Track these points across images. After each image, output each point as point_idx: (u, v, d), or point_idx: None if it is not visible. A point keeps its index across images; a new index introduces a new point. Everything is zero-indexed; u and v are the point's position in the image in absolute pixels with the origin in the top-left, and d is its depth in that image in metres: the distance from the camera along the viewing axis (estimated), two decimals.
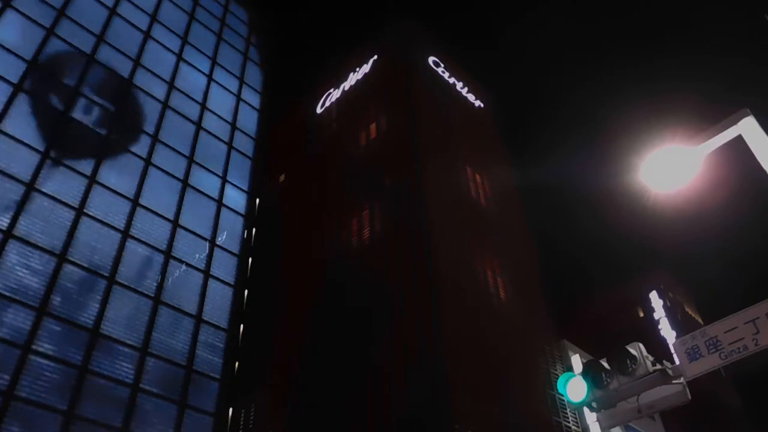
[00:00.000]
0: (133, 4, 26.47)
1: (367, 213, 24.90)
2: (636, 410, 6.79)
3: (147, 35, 26.16)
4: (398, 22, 32.08)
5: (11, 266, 16.89)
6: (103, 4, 25.09)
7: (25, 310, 16.51)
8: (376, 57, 31.21)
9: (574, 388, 7.08)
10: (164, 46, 26.79)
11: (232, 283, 22.94)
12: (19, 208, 17.88)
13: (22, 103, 19.88)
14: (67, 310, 17.39)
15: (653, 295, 44.87)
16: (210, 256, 22.54)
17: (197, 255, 22.05)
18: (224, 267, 22.95)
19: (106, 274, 18.81)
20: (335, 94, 32.50)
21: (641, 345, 6.79)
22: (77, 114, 21.36)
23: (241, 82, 29.84)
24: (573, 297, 45.50)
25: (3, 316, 16.05)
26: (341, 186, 27.35)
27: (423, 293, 20.19)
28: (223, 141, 26.54)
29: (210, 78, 28.06)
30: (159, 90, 25.04)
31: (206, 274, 21.99)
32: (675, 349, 6.72)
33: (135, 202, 21.06)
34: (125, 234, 20.09)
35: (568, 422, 21.36)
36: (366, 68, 31.39)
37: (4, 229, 17.23)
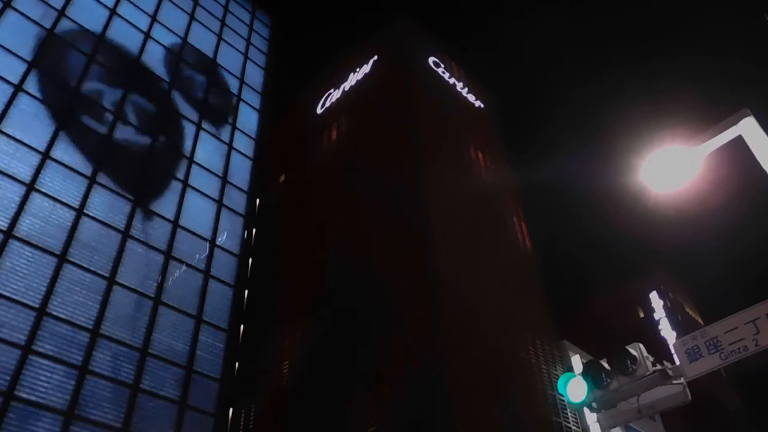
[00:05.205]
0: (133, 4, 26.49)
1: (367, 213, 24.88)
2: (636, 411, 6.79)
3: (147, 36, 26.18)
4: (398, 22, 32.06)
5: (11, 267, 16.89)
6: (102, 4, 25.10)
7: (25, 310, 16.51)
8: (376, 57, 31.20)
9: (575, 389, 7.08)
10: (164, 46, 26.80)
11: (232, 283, 22.95)
12: (19, 208, 17.89)
13: (22, 103, 19.89)
14: (68, 311, 17.39)
15: (653, 296, 44.82)
16: (210, 256, 22.55)
17: (197, 255, 22.05)
18: (224, 267, 22.96)
19: (106, 275, 18.81)
20: (335, 94, 32.48)
21: (641, 345, 6.79)
22: (78, 114, 21.37)
23: (242, 82, 29.87)
24: (573, 297, 45.46)
25: (3, 316, 16.05)
26: (341, 186, 27.35)
27: (423, 294, 20.18)
28: (223, 141, 26.56)
29: (210, 78, 28.07)
30: (159, 90, 25.06)
31: (206, 274, 21.99)
32: (675, 350, 6.72)
33: (135, 202, 21.07)
34: (125, 234, 20.09)
35: (569, 423, 21.36)
36: (366, 68, 31.38)
37: (5, 229, 17.24)
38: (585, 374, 7.01)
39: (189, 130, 25.17)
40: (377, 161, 26.05)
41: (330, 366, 21.18)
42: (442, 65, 31.92)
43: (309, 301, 24.27)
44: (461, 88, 32.40)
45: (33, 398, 15.51)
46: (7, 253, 16.95)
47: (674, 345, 6.77)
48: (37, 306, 16.77)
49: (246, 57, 31.24)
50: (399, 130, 26.10)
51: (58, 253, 17.99)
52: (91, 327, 17.58)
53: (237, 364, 22.66)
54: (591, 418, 21.01)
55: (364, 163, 26.70)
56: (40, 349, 16.26)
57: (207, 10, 30.52)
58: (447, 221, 23.16)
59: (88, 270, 18.47)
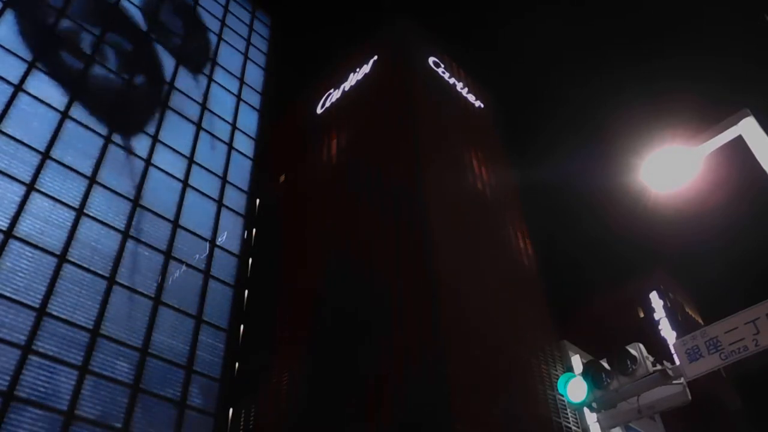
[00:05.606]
0: (133, 4, 26.48)
1: (367, 213, 24.88)
2: (636, 411, 6.80)
3: (147, 36, 26.17)
4: (398, 22, 32.06)
5: (11, 267, 16.89)
6: (102, 2, 25.10)
7: (25, 310, 16.50)
8: (376, 57, 31.19)
9: (575, 389, 7.09)
10: (164, 46, 26.79)
11: (232, 283, 22.94)
12: (19, 208, 17.88)
13: (22, 103, 19.88)
14: (68, 311, 17.38)
15: (653, 296, 44.82)
16: (210, 256, 22.55)
17: (197, 255, 22.05)
18: (224, 267, 22.95)
19: (106, 275, 18.81)
20: (335, 94, 32.48)
21: (641, 345, 6.79)
22: (77, 112, 21.36)
23: (242, 82, 29.85)
24: (573, 297, 45.43)
25: (3, 316, 16.04)
26: (341, 186, 27.34)
27: (423, 294, 20.18)
28: (223, 141, 26.54)
29: (210, 78, 28.06)
30: (159, 90, 25.05)
31: (206, 274, 21.99)
32: (675, 350, 6.72)
33: (135, 202, 21.06)
34: (125, 234, 20.09)
35: (569, 423, 21.35)
36: (366, 68, 31.37)
37: (5, 229, 17.23)
38: (585, 374, 7.01)
39: (189, 128, 25.15)
40: (377, 161, 26.05)
41: (330, 366, 21.18)
42: (442, 65, 31.92)
43: (309, 301, 24.26)
44: (461, 88, 32.40)
45: (33, 398, 15.51)
46: (7, 253, 16.95)
47: (674, 345, 6.77)
48: (37, 306, 16.76)
49: (246, 57, 31.22)
50: (399, 131, 26.09)
51: (58, 253, 17.99)
52: (91, 327, 17.57)
53: (237, 364, 22.66)
54: (591, 418, 21.01)
55: (364, 163, 26.70)
56: (40, 349, 16.26)
57: (207, 10, 30.51)
58: (447, 221, 23.16)
59: (88, 270, 18.47)
